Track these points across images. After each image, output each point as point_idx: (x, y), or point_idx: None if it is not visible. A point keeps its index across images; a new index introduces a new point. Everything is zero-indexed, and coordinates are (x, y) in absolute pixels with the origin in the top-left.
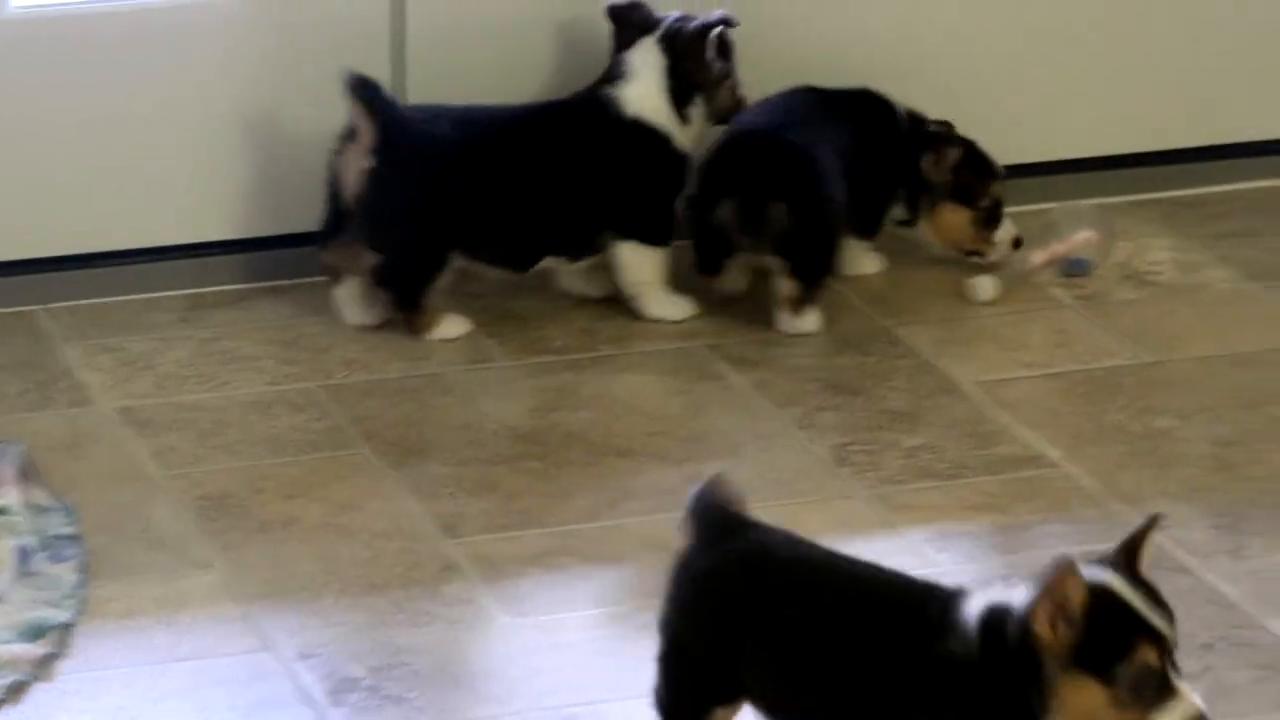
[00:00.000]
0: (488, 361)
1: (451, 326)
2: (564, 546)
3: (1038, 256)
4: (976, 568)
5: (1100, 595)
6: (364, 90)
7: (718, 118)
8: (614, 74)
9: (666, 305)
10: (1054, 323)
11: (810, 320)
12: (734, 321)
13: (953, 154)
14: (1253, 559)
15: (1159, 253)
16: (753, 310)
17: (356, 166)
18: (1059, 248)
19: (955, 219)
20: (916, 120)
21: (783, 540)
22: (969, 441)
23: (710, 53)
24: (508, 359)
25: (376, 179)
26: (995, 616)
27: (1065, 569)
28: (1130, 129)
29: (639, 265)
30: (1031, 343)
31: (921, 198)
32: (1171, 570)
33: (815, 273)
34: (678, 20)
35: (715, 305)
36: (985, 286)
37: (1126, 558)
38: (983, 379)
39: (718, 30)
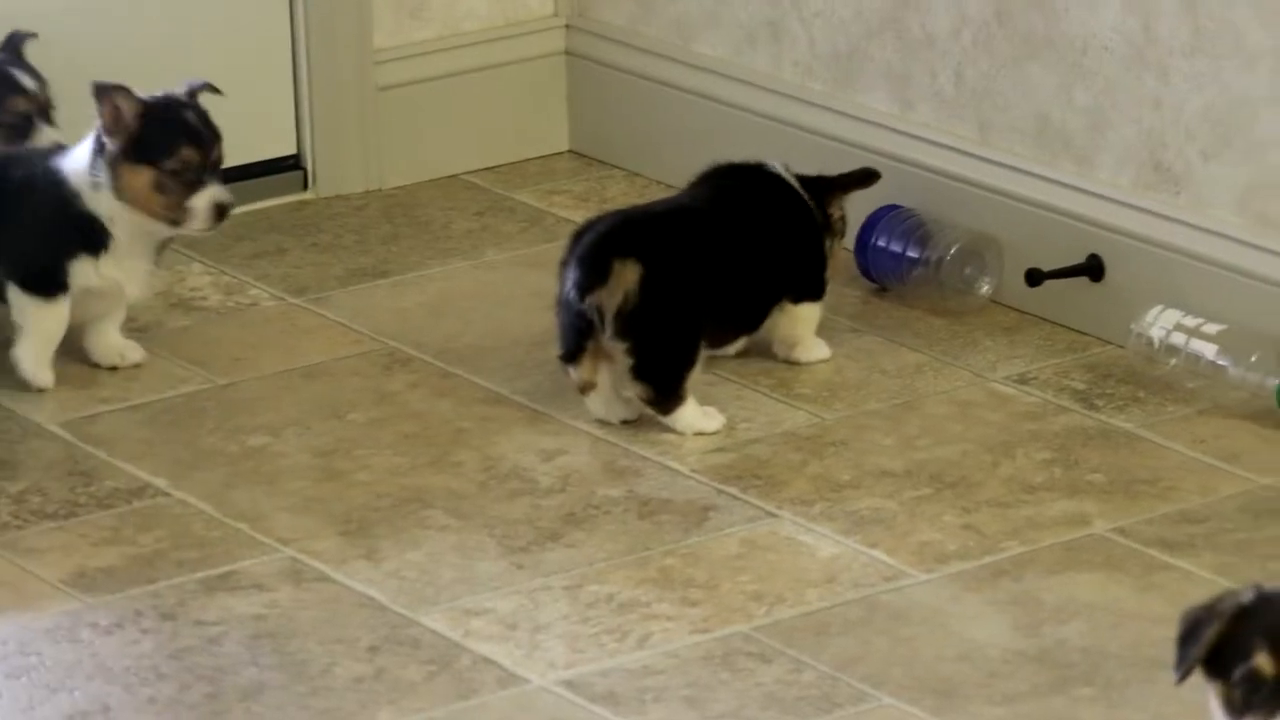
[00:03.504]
0: None
1: None
2: None
3: None
4: (120, 599)
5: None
6: None
7: None
8: None
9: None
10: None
11: None
12: None
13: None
14: (388, 560)
15: (197, 278)
16: None
17: None
18: None
19: (138, 179)
20: None
21: None
22: (73, 480)
23: None
24: None
25: None
26: None
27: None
28: None
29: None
30: (100, 379)
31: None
32: (314, 581)
33: None
34: None
35: None
36: None
37: None
38: (65, 419)
39: None
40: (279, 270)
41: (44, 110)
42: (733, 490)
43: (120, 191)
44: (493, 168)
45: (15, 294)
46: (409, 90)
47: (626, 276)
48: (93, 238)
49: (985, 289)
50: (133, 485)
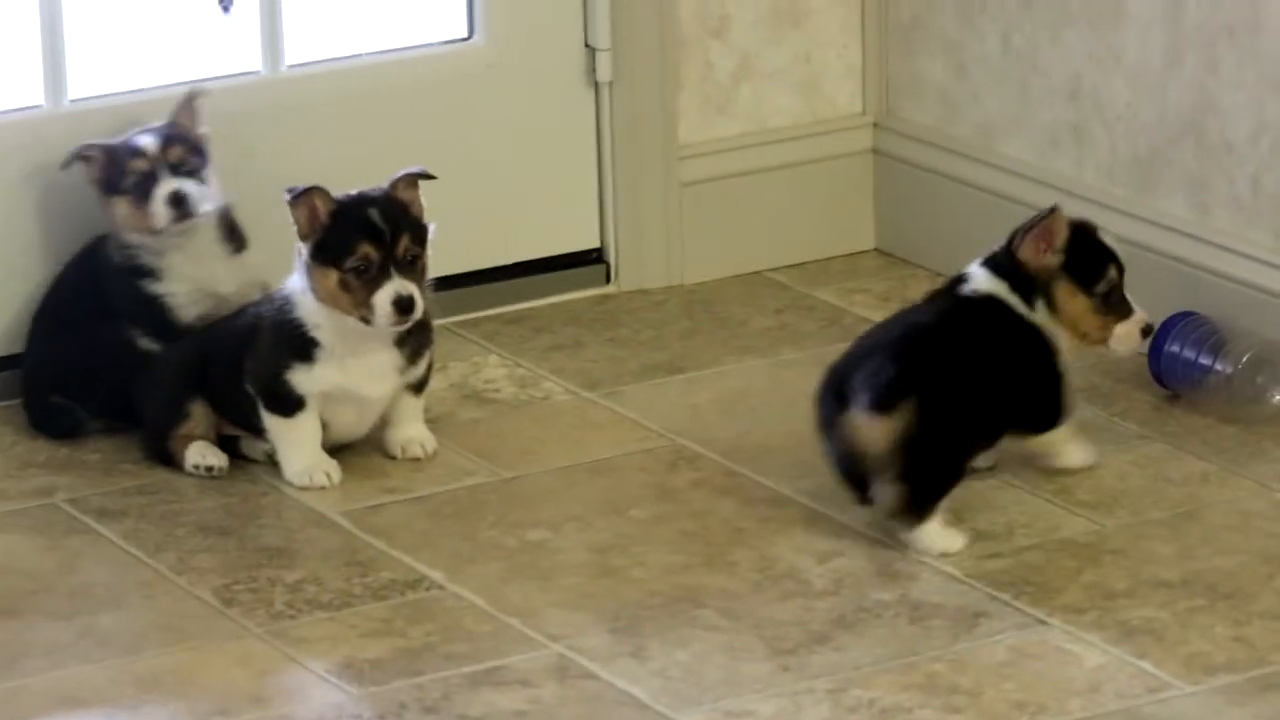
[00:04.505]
0: None
1: None
2: None
3: None
4: (385, 691)
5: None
6: None
7: None
8: None
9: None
10: None
11: None
12: (89, 474)
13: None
14: (655, 659)
15: (493, 370)
16: (105, 461)
17: None
18: None
19: (327, 281)
20: None
21: None
22: (349, 570)
23: None
24: None
25: None
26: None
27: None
28: (447, 251)
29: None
30: (388, 469)
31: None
32: (579, 678)
33: None
34: None
35: (63, 461)
36: None
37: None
38: (349, 508)
39: None
40: (575, 364)
41: (166, 166)
42: (1005, 597)
43: (315, 294)
44: (796, 265)
45: (264, 416)
46: (714, 186)
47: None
48: (301, 346)
49: (1278, 399)
50: (409, 577)
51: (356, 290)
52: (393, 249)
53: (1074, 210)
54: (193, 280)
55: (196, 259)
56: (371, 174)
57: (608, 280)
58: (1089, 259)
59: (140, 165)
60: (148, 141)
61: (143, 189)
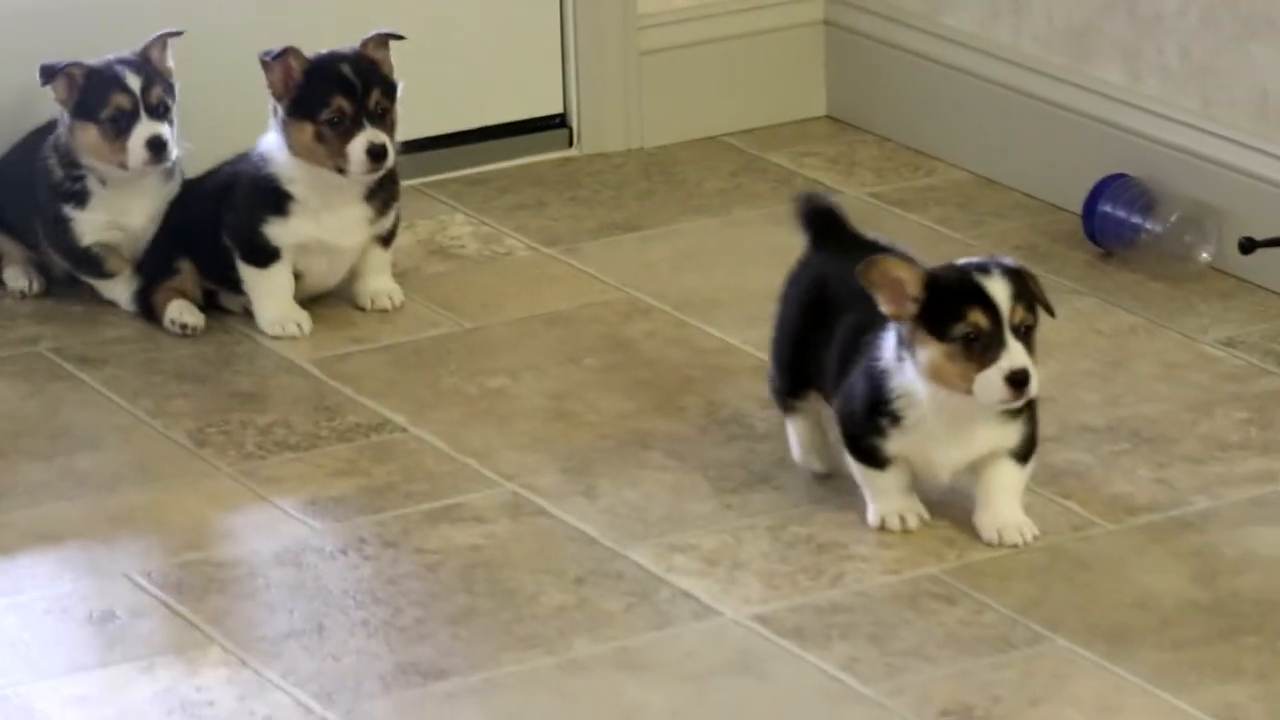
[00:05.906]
0: None
1: None
2: None
3: None
4: (347, 527)
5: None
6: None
7: None
8: None
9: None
10: None
11: None
12: (73, 324)
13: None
14: (603, 498)
15: (458, 228)
16: (84, 312)
17: None
18: None
19: (302, 135)
20: None
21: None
22: (317, 415)
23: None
24: None
25: None
26: None
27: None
28: (417, 115)
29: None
30: (356, 320)
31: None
32: (532, 514)
33: None
34: None
35: (47, 310)
36: None
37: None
38: (318, 357)
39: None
40: (536, 222)
41: (146, 107)
42: None
43: (292, 149)
44: (750, 130)
45: (239, 268)
46: (671, 55)
47: None
48: (276, 200)
49: (1205, 256)
50: (373, 421)
51: (331, 141)
52: (364, 101)
53: (1013, 78)
54: (112, 212)
55: (134, 194)
56: (340, 41)
57: (570, 144)
58: (944, 303)
59: (123, 102)
60: (132, 79)
61: (120, 126)
